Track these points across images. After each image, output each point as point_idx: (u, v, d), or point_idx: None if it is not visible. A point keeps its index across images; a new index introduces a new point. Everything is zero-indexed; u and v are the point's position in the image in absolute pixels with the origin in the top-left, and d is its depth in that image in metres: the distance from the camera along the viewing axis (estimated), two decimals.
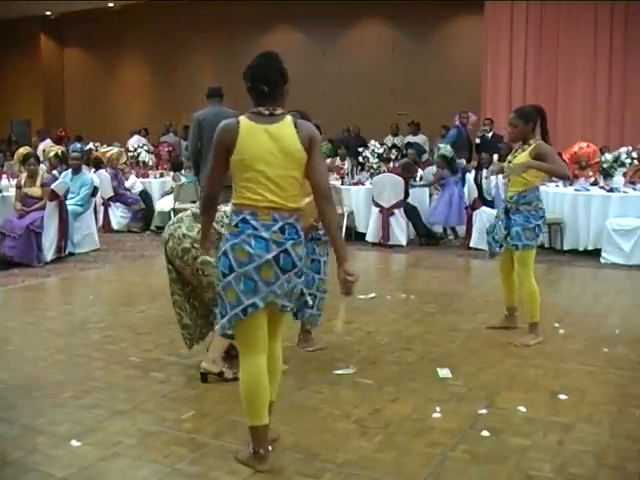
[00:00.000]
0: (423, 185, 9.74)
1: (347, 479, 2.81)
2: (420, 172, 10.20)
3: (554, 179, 8.01)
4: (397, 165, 9.85)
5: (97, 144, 12.95)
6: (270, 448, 2.91)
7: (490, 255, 4.94)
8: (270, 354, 2.93)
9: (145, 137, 14.45)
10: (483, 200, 8.49)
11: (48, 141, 13.98)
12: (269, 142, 2.73)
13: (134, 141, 13.59)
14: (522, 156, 4.51)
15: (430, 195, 9.90)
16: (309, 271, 4.35)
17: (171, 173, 10.77)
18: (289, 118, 2.80)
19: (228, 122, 2.79)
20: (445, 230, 9.46)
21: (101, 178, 9.50)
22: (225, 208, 3.58)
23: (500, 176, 6.90)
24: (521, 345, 4.53)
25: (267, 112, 2.77)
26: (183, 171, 10.52)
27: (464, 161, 9.86)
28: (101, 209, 10.23)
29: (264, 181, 2.72)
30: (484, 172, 8.48)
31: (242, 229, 2.72)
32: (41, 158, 11.36)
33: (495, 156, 9.01)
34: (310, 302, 4.05)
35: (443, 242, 9.15)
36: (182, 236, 3.83)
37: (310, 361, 4.25)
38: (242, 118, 2.78)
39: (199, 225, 3.55)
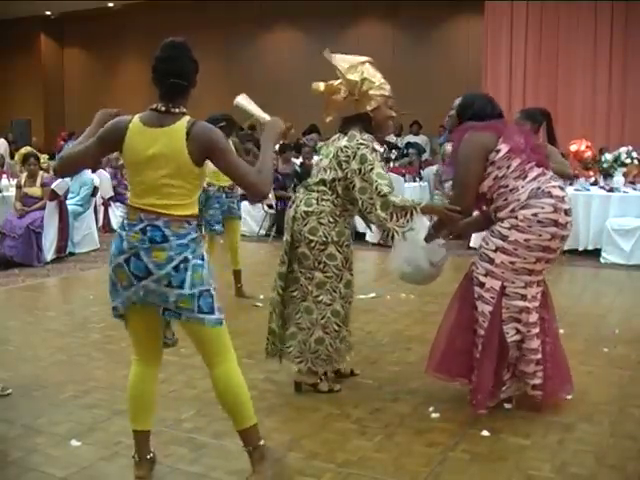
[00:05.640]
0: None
1: (347, 479, 2.81)
2: (421, 172, 10.21)
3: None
4: (398, 164, 9.87)
5: None
6: (150, 457, 2.76)
7: None
8: (214, 384, 2.67)
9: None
10: None
11: (2, 141, 14.16)
12: (153, 147, 2.49)
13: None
14: None
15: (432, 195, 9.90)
16: None
17: None
18: (184, 122, 2.50)
19: (120, 120, 2.59)
20: None
21: (101, 178, 9.50)
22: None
23: None
24: None
25: (163, 108, 2.53)
26: None
27: None
28: (101, 209, 10.23)
29: (142, 187, 2.54)
30: None
31: (118, 231, 2.62)
32: None
33: None
34: None
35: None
36: (304, 214, 3.57)
37: None
38: (135, 119, 2.55)
39: (315, 196, 3.56)
